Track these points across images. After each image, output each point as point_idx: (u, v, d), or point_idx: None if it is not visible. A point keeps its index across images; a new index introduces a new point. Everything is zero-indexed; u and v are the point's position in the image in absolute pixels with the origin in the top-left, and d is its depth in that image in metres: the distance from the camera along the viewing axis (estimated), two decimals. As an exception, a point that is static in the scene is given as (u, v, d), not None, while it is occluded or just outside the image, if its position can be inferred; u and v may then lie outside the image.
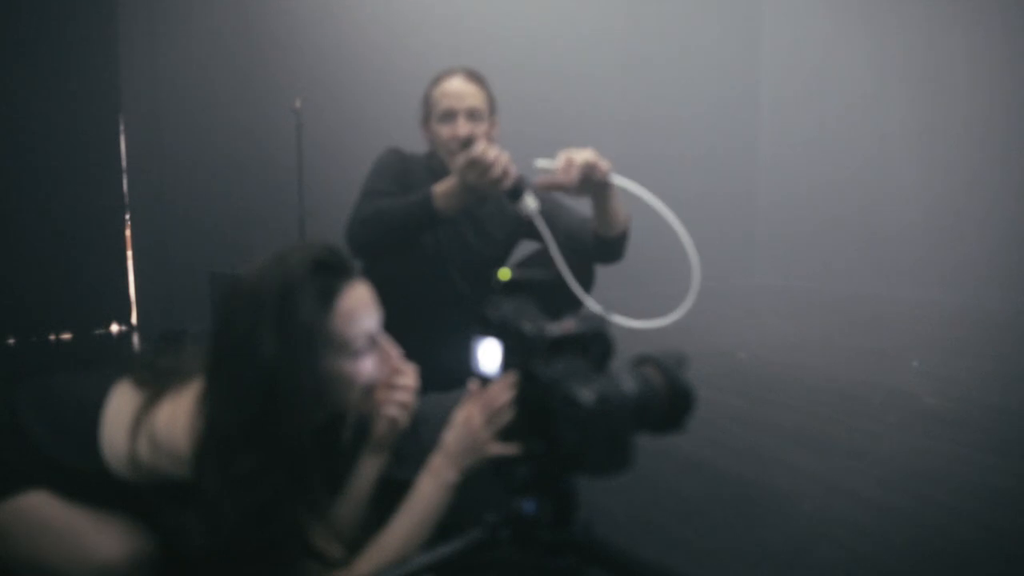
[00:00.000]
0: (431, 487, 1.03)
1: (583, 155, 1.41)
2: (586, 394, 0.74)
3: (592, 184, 1.44)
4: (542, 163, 1.44)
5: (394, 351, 1.09)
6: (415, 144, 1.84)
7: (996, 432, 1.97)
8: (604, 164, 1.43)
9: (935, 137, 4.52)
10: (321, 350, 0.97)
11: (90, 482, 1.02)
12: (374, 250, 1.60)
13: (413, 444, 1.71)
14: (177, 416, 0.99)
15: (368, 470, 1.13)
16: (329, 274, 1.00)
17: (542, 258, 1.77)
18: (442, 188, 1.49)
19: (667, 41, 5.13)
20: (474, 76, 1.75)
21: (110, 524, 1.03)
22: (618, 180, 1.46)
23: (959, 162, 4.41)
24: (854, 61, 4.94)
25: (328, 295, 0.99)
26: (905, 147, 4.68)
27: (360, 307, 1.02)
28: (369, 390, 1.05)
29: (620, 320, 1.27)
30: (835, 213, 5.07)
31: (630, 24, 4.99)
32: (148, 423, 1.00)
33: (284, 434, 0.93)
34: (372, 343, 1.04)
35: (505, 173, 1.42)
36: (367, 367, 1.03)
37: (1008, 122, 4.16)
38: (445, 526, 1.02)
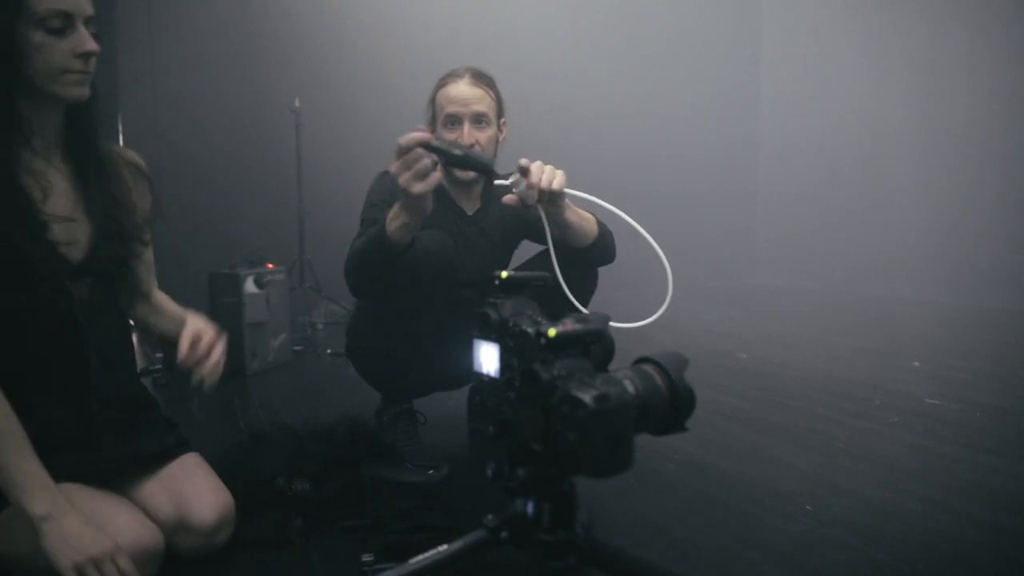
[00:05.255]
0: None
1: (536, 176, 1.35)
2: (586, 394, 0.74)
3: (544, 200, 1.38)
4: (500, 181, 1.40)
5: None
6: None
7: (996, 432, 1.97)
8: (548, 182, 1.35)
9: (935, 137, 4.51)
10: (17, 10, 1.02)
11: None
12: (365, 292, 1.55)
13: (413, 444, 1.71)
14: None
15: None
16: None
17: (545, 261, 1.76)
18: (391, 214, 1.38)
19: (667, 41, 5.12)
20: (481, 78, 1.66)
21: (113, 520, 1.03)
22: (576, 194, 1.41)
23: (959, 162, 4.40)
24: (854, 61, 4.94)
25: None
26: (905, 147, 4.67)
27: None
28: (62, 73, 1.07)
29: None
30: (835, 213, 5.06)
31: (631, 23, 4.98)
32: None
33: None
34: (69, 25, 1.06)
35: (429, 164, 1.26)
36: (62, 47, 1.06)
37: (1008, 122, 4.16)
38: (445, 527, 1.03)
